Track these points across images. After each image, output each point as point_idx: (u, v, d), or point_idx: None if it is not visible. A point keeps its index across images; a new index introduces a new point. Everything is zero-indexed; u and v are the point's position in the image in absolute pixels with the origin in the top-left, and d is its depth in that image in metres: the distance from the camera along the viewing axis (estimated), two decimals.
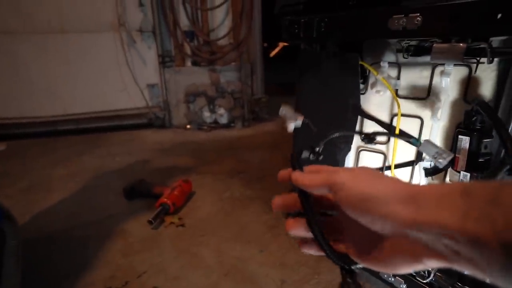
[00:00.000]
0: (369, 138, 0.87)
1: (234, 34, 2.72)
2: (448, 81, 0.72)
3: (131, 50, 2.68)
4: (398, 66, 0.82)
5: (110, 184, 1.65)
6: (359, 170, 0.30)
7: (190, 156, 2.08)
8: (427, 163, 0.81)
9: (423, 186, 0.25)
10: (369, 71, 0.86)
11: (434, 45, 0.65)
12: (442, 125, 0.77)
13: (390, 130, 0.86)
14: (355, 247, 0.31)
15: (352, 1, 0.81)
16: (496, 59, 0.64)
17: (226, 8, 2.69)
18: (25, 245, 1.12)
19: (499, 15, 0.53)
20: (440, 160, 0.72)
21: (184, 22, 2.66)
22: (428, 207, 0.23)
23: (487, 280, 0.22)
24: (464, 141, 0.68)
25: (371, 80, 0.88)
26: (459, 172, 0.70)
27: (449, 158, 0.69)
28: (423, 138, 0.80)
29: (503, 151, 0.67)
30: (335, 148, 0.92)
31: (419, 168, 0.82)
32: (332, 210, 0.35)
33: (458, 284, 0.72)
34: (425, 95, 0.78)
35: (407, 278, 0.80)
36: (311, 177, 0.31)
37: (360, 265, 0.31)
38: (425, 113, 0.79)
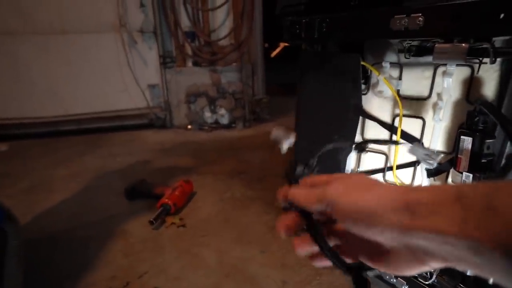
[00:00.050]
0: (361, 147, 0.88)
1: (235, 35, 2.72)
2: (450, 82, 0.72)
3: (132, 50, 2.68)
4: (400, 66, 0.81)
5: (111, 184, 1.65)
6: (351, 180, 0.30)
7: (191, 156, 2.08)
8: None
9: (417, 192, 0.25)
10: (371, 71, 0.86)
11: (436, 45, 0.64)
12: (444, 125, 0.77)
13: (392, 130, 0.86)
14: (361, 254, 0.32)
15: (354, 1, 0.81)
16: (498, 59, 0.64)
17: (227, 9, 2.69)
18: (27, 245, 1.12)
19: (502, 15, 0.53)
20: (430, 161, 0.72)
21: (185, 22, 2.66)
22: (424, 216, 0.23)
23: (491, 281, 0.22)
24: (467, 142, 0.68)
25: (372, 81, 0.88)
26: (462, 173, 0.69)
27: (438, 159, 0.70)
28: (425, 139, 0.80)
29: (506, 149, 0.66)
30: (336, 148, 0.92)
31: (421, 169, 0.82)
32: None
33: (461, 286, 0.72)
34: (427, 96, 0.78)
35: (409, 279, 0.80)
36: (307, 194, 0.31)
37: (372, 273, 0.31)
38: (427, 114, 0.79)
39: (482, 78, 0.69)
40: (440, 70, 0.74)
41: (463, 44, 0.60)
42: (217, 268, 1.02)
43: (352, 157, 0.98)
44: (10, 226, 0.72)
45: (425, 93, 0.78)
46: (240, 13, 2.65)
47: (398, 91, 0.83)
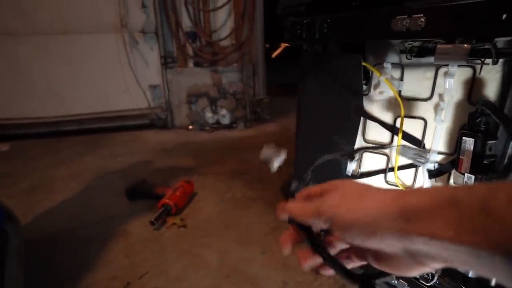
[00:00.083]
0: (352, 156, 0.89)
1: (236, 35, 2.73)
2: (452, 82, 0.72)
3: (133, 51, 2.68)
4: (401, 67, 0.81)
5: (112, 184, 1.65)
6: (344, 190, 0.30)
7: (192, 156, 2.08)
8: (430, 165, 0.80)
9: (410, 196, 0.24)
10: (372, 72, 0.85)
11: (438, 46, 0.64)
12: (446, 126, 0.77)
13: (393, 131, 0.86)
14: (365, 256, 0.32)
15: (355, 1, 0.81)
16: (501, 60, 0.63)
17: (228, 9, 2.69)
18: (28, 245, 1.12)
19: (504, 16, 0.52)
20: (420, 160, 0.71)
21: (186, 23, 2.66)
22: (419, 221, 0.23)
23: (493, 283, 0.22)
24: (468, 143, 0.67)
25: (374, 81, 0.88)
26: (463, 174, 0.69)
27: (427, 157, 0.69)
28: (426, 140, 0.80)
29: (508, 150, 0.66)
30: (337, 150, 0.91)
31: (422, 170, 0.81)
32: None
33: (462, 287, 0.72)
34: (429, 97, 0.78)
35: (410, 281, 0.79)
36: (302, 208, 0.31)
37: (379, 281, 0.31)
38: (429, 115, 0.79)
39: (484, 79, 0.69)
40: (442, 71, 0.74)
41: (465, 45, 0.60)
42: (218, 269, 1.02)
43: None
44: (11, 226, 0.72)
45: (427, 94, 0.78)
46: (241, 13, 2.65)
47: (399, 92, 0.82)
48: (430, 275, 0.75)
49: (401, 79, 0.82)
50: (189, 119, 2.84)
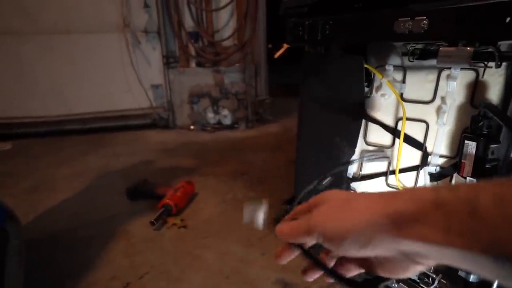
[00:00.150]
0: (341, 177, 0.90)
1: (238, 35, 2.72)
2: (455, 85, 0.71)
3: (135, 50, 2.69)
4: (404, 69, 0.81)
5: (113, 184, 1.65)
6: (331, 203, 0.30)
7: (194, 157, 2.08)
8: (432, 168, 0.80)
9: (398, 200, 0.24)
10: (374, 74, 0.85)
11: (440, 48, 0.64)
12: (448, 129, 0.76)
13: (394, 134, 0.85)
14: (360, 266, 0.32)
15: (358, 3, 0.80)
16: (504, 63, 0.63)
17: (231, 9, 2.69)
18: (29, 244, 1.13)
19: (508, 19, 0.52)
20: (382, 158, 0.70)
21: (188, 23, 2.67)
22: (408, 226, 0.23)
23: (495, 286, 0.22)
24: (471, 146, 0.67)
25: (376, 83, 0.87)
26: (465, 178, 0.69)
27: (386, 155, 0.68)
28: (428, 142, 0.79)
29: (511, 154, 0.65)
30: (339, 152, 0.91)
31: (424, 173, 0.81)
32: None
33: None
34: (431, 99, 0.77)
35: (411, 285, 0.79)
36: (292, 229, 0.31)
37: (382, 285, 0.31)
38: (431, 117, 0.78)
39: (487, 82, 0.68)
40: (444, 73, 0.73)
41: (468, 48, 0.59)
42: (217, 270, 1.02)
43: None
44: (12, 225, 0.73)
45: (429, 96, 0.77)
46: (243, 13, 2.65)
47: (401, 94, 0.82)
48: (431, 279, 0.74)
49: (403, 81, 0.81)
50: (191, 119, 2.85)
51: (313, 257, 0.32)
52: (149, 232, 1.22)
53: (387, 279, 0.30)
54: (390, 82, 0.82)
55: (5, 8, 2.40)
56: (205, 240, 1.18)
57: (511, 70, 0.64)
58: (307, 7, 0.92)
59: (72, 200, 1.52)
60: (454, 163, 0.75)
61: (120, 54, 2.66)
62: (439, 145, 0.77)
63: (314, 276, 0.34)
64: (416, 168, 0.83)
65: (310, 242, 0.31)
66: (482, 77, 0.68)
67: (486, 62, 0.61)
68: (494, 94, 0.68)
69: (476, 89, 0.70)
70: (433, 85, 0.76)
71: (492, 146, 0.65)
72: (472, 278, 0.74)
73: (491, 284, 0.69)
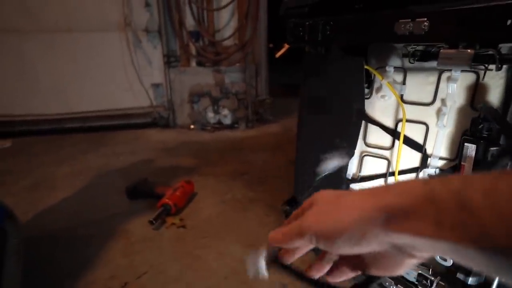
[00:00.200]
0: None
1: (239, 35, 2.72)
2: (455, 87, 0.71)
3: (136, 49, 2.69)
4: (404, 71, 0.80)
5: (113, 183, 1.66)
6: (320, 203, 0.30)
7: (193, 156, 2.08)
8: (431, 170, 0.79)
9: (388, 195, 0.24)
10: (374, 75, 0.85)
11: (441, 50, 0.64)
12: (448, 131, 0.76)
13: (394, 135, 0.85)
14: (356, 267, 0.32)
15: (359, 4, 0.80)
16: (504, 66, 0.63)
17: (232, 9, 2.69)
18: (29, 243, 1.13)
19: (509, 21, 0.52)
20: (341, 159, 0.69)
21: (189, 22, 2.66)
22: (399, 221, 0.23)
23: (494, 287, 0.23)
24: (470, 149, 0.67)
25: (376, 85, 0.87)
26: None
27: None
28: (428, 144, 0.79)
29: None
30: (338, 152, 0.91)
31: (423, 175, 0.81)
32: None
33: None
34: (431, 101, 0.77)
35: (409, 287, 0.79)
36: (284, 234, 0.31)
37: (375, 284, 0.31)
38: (431, 119, 0.78)
39: (487, 85, 0.68)
40: (445, 75, 0.73)
41: (469, 50, 0.59)
42: (216, 270, 1.02)
43: (354, 162, 0.97)
44: (10, 225, 0.73)
45: (429, 98, 0.77)
46: (245, 13, 2.65)
47: (401, 96, 0.82)
48: (429, 281, 0.74)
49: (404, 83, 0.81)
50: (191, 118, 2.85)
51: (294, 270, 0.32)
52: (148, 232, 1.22)
53: (377, 278, 0.30)
54: (390, 83, 0.81)
55: (7, 6, 2.40)
56: (204, 240, 1.18)
57: (511, 73, 0.64)
58: (307, 8, 0.92)
59: (72, 199, 1.52)
60: (453, 166, 0.75)
61: (121, 53, 2.66)
62: (439, 147, 0.77)
63: (319, 273, 0.34)
64: (415, 170, 0.82)
65: (304, 245, 0.31)
66: (483, 80, 0.68)
67: (486, 65, 0.61)
68: (494, 96, 0.68)
69: (476, 91, 0.70)
70: (433, 87, 0.76)
71: (491, 149, 0.65)
72: (470, 280, 0.74)
73: (490, 286, 0.69)
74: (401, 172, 0.85)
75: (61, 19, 2.52)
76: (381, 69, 0.83)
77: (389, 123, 0.87)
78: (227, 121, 2.82)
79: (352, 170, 0.97)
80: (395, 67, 0.81)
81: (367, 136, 0.93)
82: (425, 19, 0.62)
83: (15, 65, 2.54)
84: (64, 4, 2.49)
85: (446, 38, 0.62)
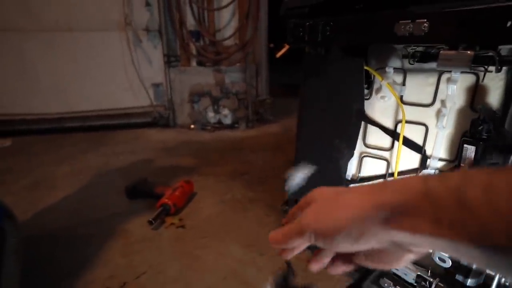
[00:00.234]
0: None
1: (240, 35, 2.72)
2: (455, 89, 0.71)
3: (137, 49, 2.69)
4: (404, 72, 0.80)
5: (113, 182, 1.66)
6: (318, 201, 0.30)
7: (193, 156, 2.08)
8: (431, 171, 0.79)
9: (386, 192, 0.24)
10: (374, 76, 0.85)
11: (441, 51, 0.64)
12: (447, 133, 0.76)
13: (394, 136, 0.85)
14: (355, 261, 0.32)
15: (359, 5, 0.80)
16: (504, 68, 0.63)
17: (233, 9, 2.69)
18: (29, 242, 1.13)
19: (509, 23, 0.51)
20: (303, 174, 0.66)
21: (190, 22, 2.66)
22: (399, 218, 0.23)
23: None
24: (470, 150, 0.67)
25: (375, 86, 0.87)
26: None
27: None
28: (427, 146, 0.79)
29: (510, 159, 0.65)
30: (338, 154, 0.91)
31: None
32: None
33: None
34: (431, 102, 0.77)
35: None
36: (283, 234, 0.31)
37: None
38: (430, 121, 0.78)
39: (487, 86, 0.68)
40: (445, 77, 0.73)
41: (469, 52, 0.59)
42: (215, 271, 1.02)
43: (353, 163, 0.97)
44: (9, 224, 0.73)
45: (429, 99, 0.77)
46: (245, 13, 2.64)
47: (401, 97, 0.82)
48: (428, 283, 0.74)
49: (403, 84, 0.81)
50: (191, 118, 2.85)
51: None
52: (148, 232, 1.22)
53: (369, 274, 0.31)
54: (390, 84, 0.81)
55: (8, 5, 2.40)
56: (203, 240, 1.18)
57: (511, 75, 0.64)
58: (307, 8, 0.92)
59: (71, 198, 1.52)
60: (453, 167, 0.75)
61: (121, 52, 2.66)
62: (438, 148, 0.77)
63: (319, 266, 0.34)
64: (415, 171, 0.82)
65: (303, 244, 0.31)
66: (482, 81, 0.68)
67: (486, 66, 0.61)
68: (494, 98, 0.68)
69: (476, 93, 0.70)
70: (433, 88, 0.76)
71: (491, 150, 0.65)
72: (469, 282, 0.73)
73: (489, 287, 0.69)
74: (401, 173, 0.85)
75: (61, 19, 2.52)
76: (381, 70, 0.83)
77: (389, 124, 0.86)
78: (227, 121, 2.82)
79: (351, 170, 0.97)
80: (395, 68, 0.81)
81: (366, 137, 0.93)
82: (425, 20, 0.62)
83: (15, 64, 2.54)
84: (64, 3, 2.49)
85: (446, 39, 0.62)
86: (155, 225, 1.23)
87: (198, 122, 2.82)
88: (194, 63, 2.79)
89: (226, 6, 2.62)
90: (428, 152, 0.79)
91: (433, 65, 0.67)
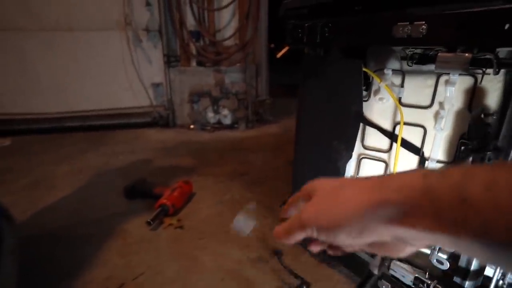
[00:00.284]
0: None
1: (240, 35, 2.72)
2: (453, 91, 0.71)
3: (137, 49, 2.69)
4: (402, 73, 0.80)
5: (112, 182, 1.65)
6: (319, 195, 0.30)
7: (193, 156, 2.08)
8: None
9: (387, 188, 0.24)
10: (373, 78, 0.85)
11: (439, 54, 0.63)
12: (446, 135, 0.76)
13: (392, 138, 0.85)
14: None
15: (358, 6, 0.80)
16: (502, 70, 0.62)
17: (233, 9, 2.69)
18: (28, 241, 1.13)
19: (507, 26, 0.51)
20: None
21: (190, 22, 2.66)
22: (400, 215, 0.23)
23: None
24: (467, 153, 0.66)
25: (374, 87, 0.87)
26: None
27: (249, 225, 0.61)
28: (426, 148, 0.79)
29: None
30: (336, 155, 0.91)
31: None
32: None
33: None
34: (429, 104, 0.77)
35: None
36: (285, 230, 0.32)
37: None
38: (429, 122, 0.78)
39: (485, 88, 0.68)
40: (443, 79, 0.73)
41: (466, 54, 0.59)
42: (213, 272, 1.02)
43: (351, 164, 0.97)
44: (7, 224, 0.73)
45: (427, 101, 0.77)
46: (245, 13, 2.64)
47: (399, 98, 0.82)
48: (425, 285, 0.74)
49: (402, 85, 0.81)
50: (191, 118, 2.85)
51: None
52: (146, 232, 1.22)
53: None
54: (388, 86, 0.81)
55: (8, 5, 2.40)
56: (201, 241, 1.18)
57: (509, 77, 0.64)
58: (306, 9, 0.92)
59: (71, 198, 1.52)
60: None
61: (121, 52, 2.66)
62: (437, 150, 0.77)
63: (319, 248, 0.34)
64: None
65: (304, 236, 0.31)
66: (480, 83, 0.67)
67: (484, 69, 0.61)
68: (492, 100, 0.68)
69: (474, 95, 0.70)
70: (431, 90, 0.76)
71: (488, 153, 0.64)
72: (467, 284, 0.73)
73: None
74: None
75: (62, 18, 2.52)
76: (380, 71, 0.83)
77: (387, 126, 0.86)
78: (227, 121, 2.82)
79: (349, 172, 0.97)
80: (393, 70, 0.81)
81: (365, 138, 0.93)
82: (423, 22, 0.62)
83: (15, 64, 2.54)
84: (64, 3, 2.49)
85: (444, 41, 0.62)
86: (153, 225, 1.23)
87: (198, 122, 2.82)
88: (194, 63, 2.79)
89: (226, 6, 2.62)
90: (426, 154, 0.79)
91: (431, 67, 0.67)
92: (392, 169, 0.84)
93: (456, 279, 0.74)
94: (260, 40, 2.80)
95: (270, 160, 2.00)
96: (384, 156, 0.89)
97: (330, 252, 0.35)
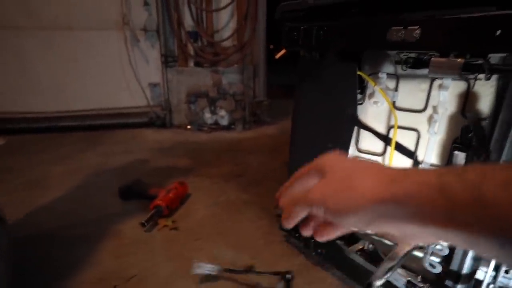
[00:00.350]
0: None
1: (238, 36, 2.72)
2: (446, 95, 0.71)
3: (134, 48, 2.68)
4: (397, 77, 0.81)
5: (108, 183, 1.65)
6: (331, 176, 0.29)
7: (189, 157, 2.08)
8: None
9: (402, 182, 0.24)
10: (367, 81, 0.85)
11: (432, 58, 0.64)
12: (439, 138, 0.76)
13: (386, 142, 0.85)
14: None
15: (355, 9, 0.80)
16: (494, 75, 0.63)
17: (231, 10, 2.69)
18: (20, 242, 1.13)
19: (498, 32, 0.52)
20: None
21: (188, 22, 2.66)
22: (414, 211, 0.23)
23: None
24: (460, 157, 0.67)
25: (368, 91, 0.87)
26: None
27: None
28: (419, 151, 0.79)
29: None
30: None
31: None
32: None
33: None
34: (423, 108, 0.77)
35: None
36: (293, 202, 0.31)
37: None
38: (422, 126, 0.78)
39: (478, 93, 0.68)
40: (437, 83, 0.73)
41: (459, 59, 0.59)
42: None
43: None
44: None
45: (421, 105, 0.77)
46: (244, 14, 2.65)
47: (394, 102, 0.82)
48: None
49: (396, 89, 0.81)
50: (188, 119, 2.84)
51: None
52: (140, 234, 1.22)
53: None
54: (382, 89, 0.82)
55: (7, 3, 2.39)
56: (196, 243, 1.18)
57: (501, 82, 0.64)
58: (302, 12, 0.92)
59: (66, 198, 1.52)
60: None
61: (119, 51, 2.65)
62: (430, 154, 0.77)
63: (309, 232, 0.34)
64: None
65: (307, 213, 0.31)
66: (473, 88, 0.68)
67: (476, 74, 0.61)
68: (485, 104, 0.68)
69: (467, 99, 0.70)
70: (425, 94, 0.76)
71: (483, 155, 0.65)
72: (459, 287, 0.74)
73: None
74: None
75: (61, 17, 2.52)
76: (374, 75, 0.84)
77: (381, 129, 0.87)
78: (224, 122, 2.82)
79: None
80: (388, 74, 0.81)
81: (359, 141, 0.93)
82: (417, 27, 0.63)
83: (14, 62, 2.53)
84: (64, 1, 2.49)
85: (437, 46, 0.62)
86: (148, 227, 1.22)
87: (195, 123, 2.82)
88: (191, 64, 2.79)
89: (224, 7, 2.62)
90: (419, 158, 0.80)
91: (425, 71, 0.67)
92: None
93: (448, 283, 0.74)
94: (258, 41, 2.80)
95: (266, 161, 2.00)
96: (378, 159, 0.90)
97: (317, 237, 0.34)
